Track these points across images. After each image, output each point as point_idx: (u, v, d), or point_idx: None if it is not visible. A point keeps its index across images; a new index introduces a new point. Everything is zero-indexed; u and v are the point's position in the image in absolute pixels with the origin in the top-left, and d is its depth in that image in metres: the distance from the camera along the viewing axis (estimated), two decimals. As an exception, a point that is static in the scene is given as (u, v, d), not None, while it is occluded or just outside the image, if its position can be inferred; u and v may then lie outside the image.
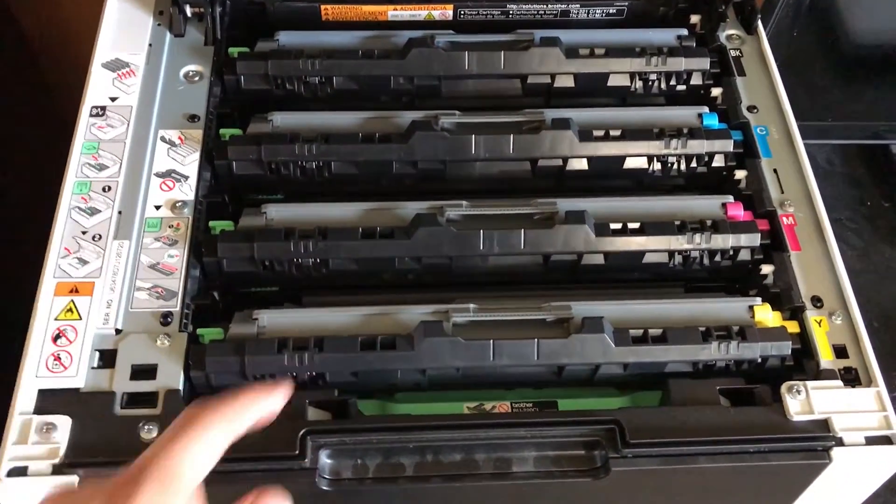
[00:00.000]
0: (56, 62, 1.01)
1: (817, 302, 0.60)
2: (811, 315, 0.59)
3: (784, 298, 0.60)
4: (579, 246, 0.60)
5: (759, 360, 0.57)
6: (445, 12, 0.76)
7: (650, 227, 0.61)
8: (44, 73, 1.06)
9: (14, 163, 0.99)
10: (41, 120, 1.00)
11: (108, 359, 0.55)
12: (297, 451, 0.51)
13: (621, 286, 0.65)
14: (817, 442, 0.53)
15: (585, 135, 0.65)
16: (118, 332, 0.56)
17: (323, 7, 0.75)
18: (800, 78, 0.87)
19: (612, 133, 0.65)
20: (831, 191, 1.00)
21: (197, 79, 0.68)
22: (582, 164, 0.65)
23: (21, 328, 0.56)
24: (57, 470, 0.50)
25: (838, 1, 0.84)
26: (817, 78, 0.90)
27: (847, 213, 0.99)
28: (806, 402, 0.55)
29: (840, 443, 0.53)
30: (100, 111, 0.65)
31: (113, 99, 0.66)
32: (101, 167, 0.63)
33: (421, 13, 0.76)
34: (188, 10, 0.70)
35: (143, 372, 0.54)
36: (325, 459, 0.53)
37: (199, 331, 0.57)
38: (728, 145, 0.65)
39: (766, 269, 0.62)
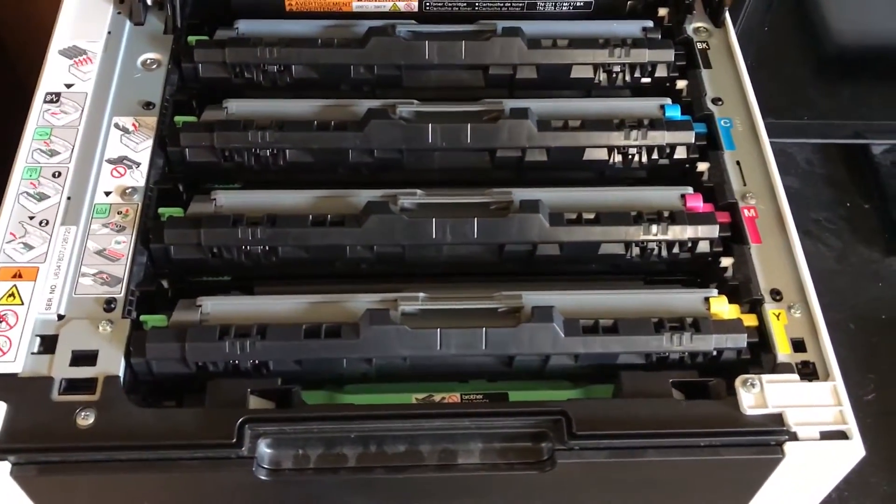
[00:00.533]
0: (27, 54, 1.01)
1: (776, 295, 0.58)
2: (770, 308, 0.58)
3: (742, 291, 0.59)
4: (534, 236, 0.59)
5: (715, 353, 0.56)
6: (411, 4, 0.75)
7: (606, 217, 0.60)
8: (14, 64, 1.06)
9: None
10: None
11: (48, 344, 0.54)
12: (234, 440, 0.50)
13: (580, 279, 0.63)
14: (770, 437, 0.52)
15: (544, 125, 0.64)
16: (60, 317, 0.55)
17: (287, -3, 0.74)
18: (773, 74, 0.86)
19: (572, 124, 0.64)
20: (811, 191, 0.99)
21: (155, 66, 0.68)
22: (542, 155, 0.64)
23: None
24: (-12, 455, 0.49)
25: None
26: (792, 75, 0.89)
27: (826, 214, 0.98)
28: (760, 395, 0.53)
29: (794, 437, 0.52)
30: (54, 97, 0.65)
31: (68, 86, 0.65)
32: (53, 153, 0.62)
33: (386, 5, 0.75)
34: (148, 0, 0.70)
35: (84, 358, 0.53)
36: (263, 449, 0.51)
37: (142, 317, 0.56)
38: (690, 136, 0.64)
39: (726, 261, 0.60)
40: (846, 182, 1.00)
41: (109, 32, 0.69)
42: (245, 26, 0.70)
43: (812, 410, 0.53)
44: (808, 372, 0.55)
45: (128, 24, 0.70)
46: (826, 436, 0.52)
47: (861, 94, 0.93)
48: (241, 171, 0.64)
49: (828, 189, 0.99)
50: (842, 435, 0.52)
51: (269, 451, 0.52)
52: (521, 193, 0.60)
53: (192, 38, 0.69)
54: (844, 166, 1.01)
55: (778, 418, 0.53)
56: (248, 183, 0.66)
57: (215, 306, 0.56)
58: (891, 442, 0.82)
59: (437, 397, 0.57)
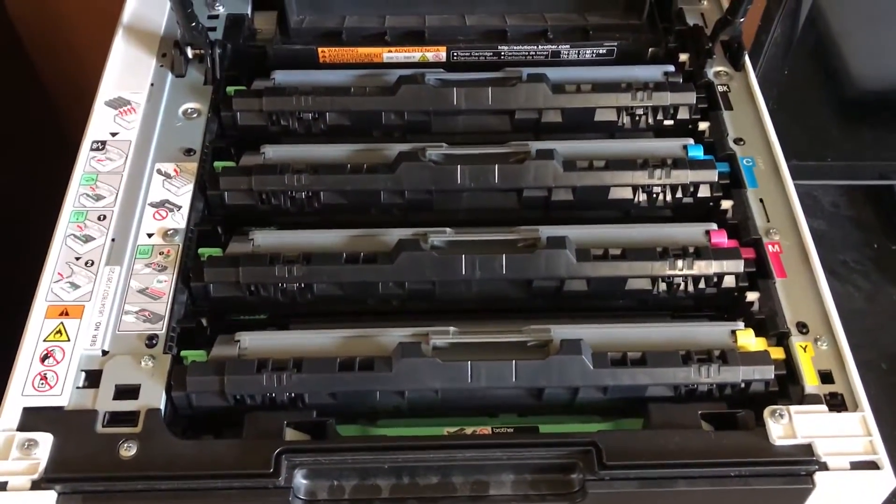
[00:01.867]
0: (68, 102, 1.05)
1: (803, 328, 0.59)
2: (796, 341, 0.58)
3: (769, 324, 0.59)
4: (561, 271, 0.61)
5: (742, 385, 0.56)
6: (439, 54, 0.78)
7: (632, 252, 0.61)
8: (58, 112, 1.11)
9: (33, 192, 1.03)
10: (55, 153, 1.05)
11: (93, 378, 0.56)
12: (271, 470, 0.51)
13: (607, 314, 0.65)
14: (800, 466, 0.52)
15: (569, 165, 0.66)
16: (104, 353, 0.57)
17: (320, 50, 0.77)
18: (794, 117, 0.88)
19: (596, 163, 0.66)
20: (838, 233, 1.00)
21: (195, 116, 0.71)
22: (568, 195, 0.66)
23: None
24: (35, 485, 0.51)
25: (834, 42, 0.85)
26: (814, 117, 0.90)
27: (854, 255, 0.98)
28: (789, 426, 0.54)
29: (824, 467, 0.52)
30: (100, 145, 0.68)
31: (113, 134, 0.69)
32: (98, 197, 0.65)
33: (415, 55, 0.78)
34: (189, 53, 0.73)
35: (127, 392, 0.55)
36: (300, 479, 0.53)
37: (182, 353, 0.58)
38: (712, 175, 0.66)
39: (752, 296, 0.61)
40: (873, 223, 1.01)
41: (152, 84, 0.72)
42: (281, 76, 0.73)
43: (841, 441, 0.53)
44: (837, 403, 0.56)
45: (169, 76, 0.73)
46: (856, 466, 0.52)
47: (884, 135, 0.94)
48: (278, 213, 0.66)
49: (855, 230, 1.00)
50: (872, 465, 0.52)
51: (305, 481, 0.53)
52: (548, 231, 0.62)
53: (230, 89, 0.72)
54: (871, 208, 1.02)
55: (807, 448, 0.53)
56: (284, 225, 0.68)
57: (253, 341, 0.58)
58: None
59: (469, 430, 0.58)
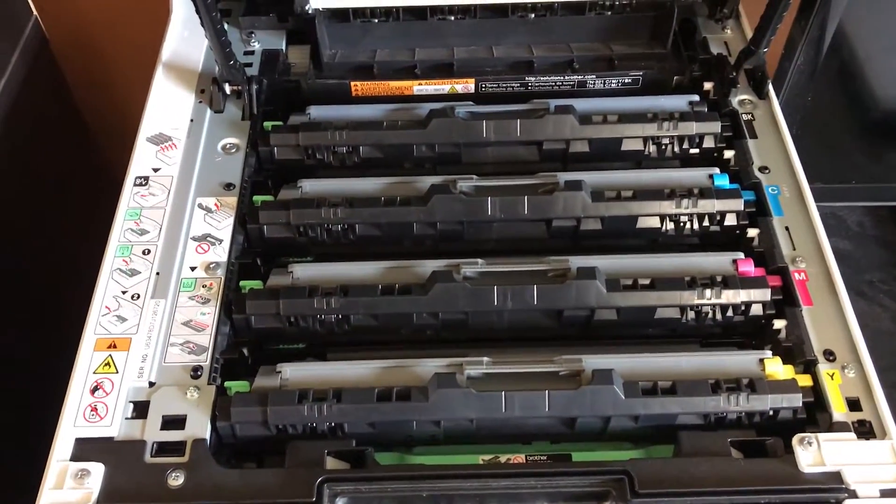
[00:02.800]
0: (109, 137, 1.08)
1: (830, 355, 0.60)
2: (823, 368, 0.59)
3: (796, 352, 0.61)
4: (591, 301, 0.62)
5: (771, 413, 0.57)
6: (468, 86, 0.80)
7: (661, 282, 0.62)
8: (99, 148, 1.14)
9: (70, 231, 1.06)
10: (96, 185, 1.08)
11: (140, 410, 0.58)
12: (314, 499, 0.53)
13: (636, 342, 0.66)
14: (829, 494, 0.53)
15: (598, 195, 0.67)
16: (151, 384, 0.59)
17: (353, 83, 0.80)
18: (819, 141, 0.89)
19: (624, 194, 0.67)
20: (863, 252, 1.00)
21: (234, 150, 0.73)
22: (596, 224, 0.68)
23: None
24: (89, 514, 0.53)
25: (858, 67, 0.86)
26: (838, 140, 0.91)
27: (879, 275, 0.99)
28: (818, 453, 0.55)
29: (853, 495, 0.53)
30: (143, 181, 0.70)
31: (155, 170, 0.71)
32: (143, 232, 0.67)
33: (444, 87, 0.80)
34: (227, 89, 0.76)
35: (173, 422, 0.58)
36: (341, 507, 0.54)
37: (226, 384, 0.60)
38: (739, 204, 0.67)
39: (779, 323, 0.62)
40: (899, 243, 1.01)
41: (192, 120, 0.75)
42: (316, 112, 0.75)
43: (870, 468, 0.54)
44: (865, 430, 0.57)
45: (208, 112, 0.76)
46: (886, 493, 0.53)
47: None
48: (315, 244, 0.69)
49: (880, 250, 1.00)
50: (902, 493, 0.53)
51: (346, 509, 0.55)
52: (577, 261, 0.64)
53: (267, 124, 0.74)
54: (896, 227, 1.03)
55: (836, 476, 0.54)
56: (321, 256, 0.70)
57: (294, 372, 0.60)
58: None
59: (503, 458, 0.60)
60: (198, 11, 0.67)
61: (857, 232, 1.02)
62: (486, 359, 0.59)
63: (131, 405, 0.58)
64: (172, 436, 0.57)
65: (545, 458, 0.60)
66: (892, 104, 0.89)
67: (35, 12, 0.98)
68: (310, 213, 0.67)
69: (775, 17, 0.69)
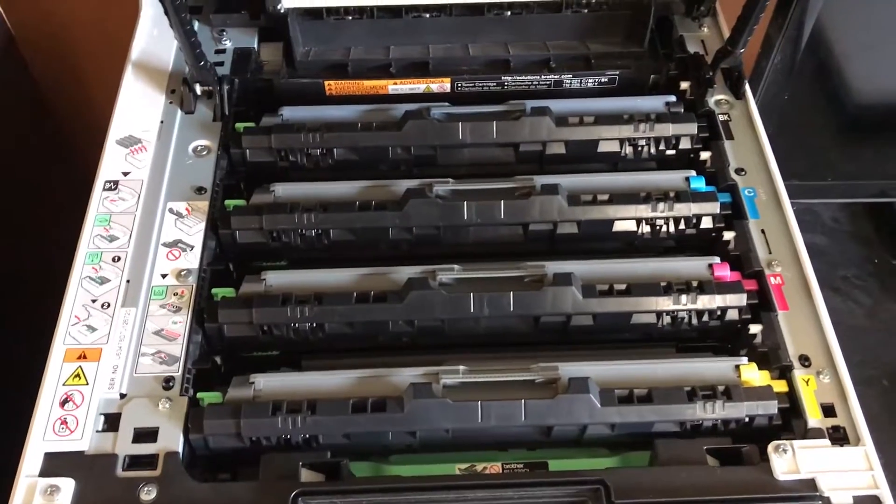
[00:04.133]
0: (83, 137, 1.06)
1: (805, 361, 0.60)
2: (799, 374, 0.60)
3: (772, 357, 0.61)
4: (567, 307, 0.62)
5: (746, 420, 0.57)
6: (443, 85, 0.79)
7: (637, 288, 0.62)
8: (71, 148, 1.12)
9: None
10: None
11: (112, 422, 0.57)
12: (288, 512, 0.53)
13: (613, 347, 0.66)
14: (804, 502, 0.54)
15: (574, 199, 0.67)
16: (122, 396, 0.58)
17: (327, 83, 0.79)
18: (796, 139, 0.89)
19: (600, 197, 0.67)
20: (838, 248, 1.01)
21: (205, 153, 0.72)
22: (573, 228, 0.67)
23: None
24: (59, 531, 0.53)
25: (834, 65, 0.86)
26: (814, 138, 0.91)
27: (854, 271, 0.99)
28: (792, 461, 0.55)
29: (827, 502, 0.54)
30: (112, 185, 0.69)
31: (125, 173, 0.70)
32: (112, 238, 0.66)
33: (420, 87, 0.79)
34: (198, 89, 0.74)
35: (145, 435, 0.57)
36: (316, 520, 0.54)
37: (199, 395, 0.59)
38: (715, 207, 0.67)
39: (755, 328, 0.63)
40: (873, 238, 1.02)
41: (162, 122, 0.74)
42: (289, 112, 0.74)
43: (844, 475, 0.55)
44: (839, 437, 0.57)
45: (179, 113, 0.74)
46: (859, 501, 0.54)
47: (884, 153, 0.95)
48: (289, 250, 0.68)
49: (855, 246, 1.01)
50: (875, 500, 0.54)
51: (321, 522, 0.54)
52: (553, 266, 0.63)
53: (239, 125, 0.73)
54: (871, 223, 1.03)
55: (811, 483, 0.54)
56: (295, 261, 0.69)
57: (267, 383, 0.59)
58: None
59: (480, 467, 0.59)
60: (166, 12, 0.66)
61: (833, 227, 1.02)
62: (462, 367, 0.59)
63: (102, 418, 0.57)
64: (144, 449, 0.56)
65: (522, 466, 0.60)
66: (868, 102, 0.90)
67: (1, 11, 0.95)
68: (283, 219, 0.66)
69: (752, 19, 0.69)
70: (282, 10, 0.75)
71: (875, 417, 0.88)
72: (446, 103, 0.74)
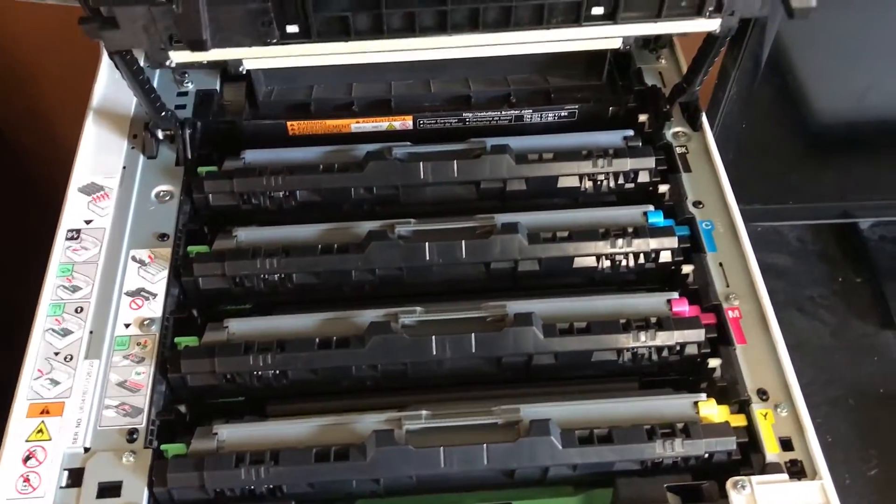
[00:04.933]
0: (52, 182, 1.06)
1: (763, 395, 0.61)
2: (757, 408, 0.60)
3: (731, 392, 0.62)
4: (529, 347, 0.62)
5: (706, 456, 0.58)
6: (406, 123, 0.80)
7: (597, 326, 0.63)
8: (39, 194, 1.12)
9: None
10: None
11: (75, 477, 0.57)
12: (252, 565, 0.53)
13: (575, 383, 0.67)
14: (762, 538, 0.54)
15: (534, 237, 0.68)
16: (86, 450, 0.58)
17: (289, 123, 0.79)
18: (754, 165, 0.90)
19: (560, 235, 0.68)
20: (804, 268, 1.02)
21: (168, 198, 0.72)
22: (534, 266, 0.68)
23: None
24: (22, 592, 0.52)
25: (790, 89, 0.87)
26: (774, 163, 0.92)
27: (820, 290, 1.00)
28: (751, 497, 0.56)
29: (785, 538, 0.54)
30: (75, 234, 0.69)
31: (88, 222, 0.70)
32: (75, 289, 0.66)
33: (382, 125, 0.80)
34: (160, 134, 0.75)
35: (109, 489, 0.57)
36: (280, 572, 0.54)
37: (163, 446, 0.59)
38: (673, 242, 0.68)
39: (714, 362, 0.63)
40: (838, 258, 1.03)
41: (125, 167, 0.74)
42: (251, 156, 0.74)
43: (802, 510, 0.55)
44: (797, 471, 0.58)
45: (141, 158, 0.75)
46: (816, 534, 0.55)
47: (844, 175, 0.96)
48: (252, 294, 0.68)
49: (820, 265, 1.02)
50: (832, 534, 0.55)
51: (286, 573, 0.54)
52: (515, 306, 0.64)
53: (201, 169, 0.73)
54: (835, 242, 1.04)
55: (769, 520, 0.55)
56: (259, 305, 0.69)
57: (231, 433, 0.59)
58: (896, 518, 0.83)
59: (445, 510, 0.60)
60: (118, 68, 0.66)
61: (798, 247, 1.03)
62: (424, 412, 0.59)
63: (66, 473, 0.57)
64: (109, 504, 0.56)
65: (486, 508, 0.60)
66: (826, 126, 0.91)
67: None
68: (245, 264, 0.66)
69: (707, 62, 0.70)
70: (243, 72, 0.73)
71: (842, 437, 0.90)
72: (408, 142, 0.74)
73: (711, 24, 0.66)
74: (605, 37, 0.67)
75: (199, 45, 0.60)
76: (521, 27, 0.66)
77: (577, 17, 0.65)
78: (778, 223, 1.00)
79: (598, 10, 0.65)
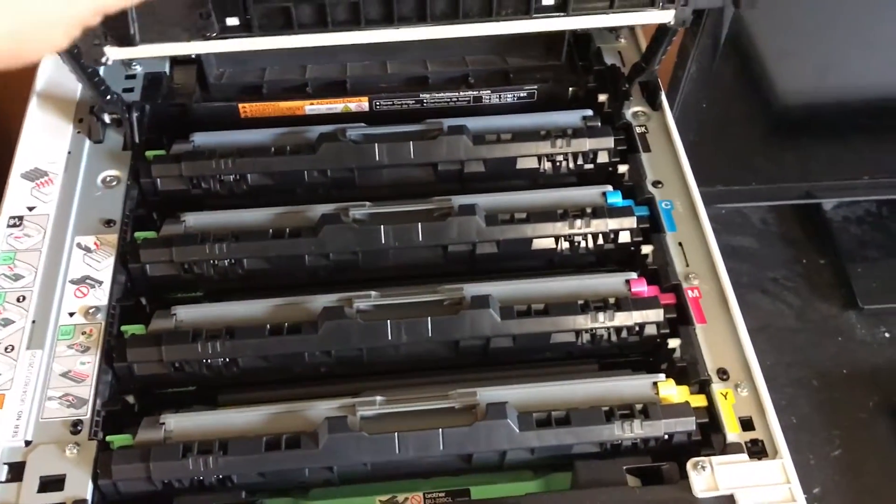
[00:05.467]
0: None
1: (723, 374, 0.60)
2: (717, 388, 0.60)
3: (691, 372, 0.61)
4: (486, 330, 0.61)
5: (666, 437, 0.57)
6: (361, 104, 0.78)
7: (555, 308, 0.62)
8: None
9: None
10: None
11: (15, 472, 0.55)
12: (201, 558, 0.51)
13: (535, 366, 0.65)
14: (723, 518, 0.54)
15: (492, 219, 0.66)
16: (28, 443, 0.56)
17: (241, 105, 0.77)
18: (716, 145, 0.90)
19: (518, 216, 0.67)
20: (767, 250, 1.02)
21: (115, 184, 0.70)
22: (492, 248, 0.67)
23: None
24: (-40, 592, 0.50)
25: (751, 68, 0.86)
26: (736, 144, 0.92)
27: (783, 272, 1.00)
28: (711, 478, 0.55)
29: (745, 518, 0.54)
30: (17, 221, 0.67)
31: (30, 208, 0.68)
32: (17, 277, 0.64)
33: (337, 106, 0.78)
34: (106, 118, 0.72)
35: (51, 483, 0.55)
36: (231, 563, 0.53)
37: (108, 438, 0.57)
38: (632, 222, 0.67)
39: (674, 342, 0.63)
40: (802, 239, 1.03)
41: (70, 152, 0.71)
42: (200, 139, 0.72)
43: (762, 490, 0.55)
44: (757, 450, 0.57)
45: (87, 142, 0.72)
46: (778, 514, 0.54)
47: (807, 156, 0.96)
48: (202, 281, 0.66)
49: (784, 247, 1.02)
50: (791, 512, 0.54)
51: (236, 565, 0.53)
52: (471, 289, 0.63)
53: (149, 154, 0.71)
54: (799, 224, 1.04)
55: (730, 500, 0.54)
56: (211, 292, 0.68)
57: (178, 423, 0.57)
58: (860, 498, 0.83)
59: (401, 497, 0.58)
60: (63, 58, 0.63)
61: (762, 229, 1.03)
62: (378, 398, 0.58)
63: (6, 467, 0.55)
64: (51, 498, 0.54)
65: (444, 494, 0.59)
66: (788, 106, 0.90)
67: None
68: (193, 250, 0.64)
69: (662, 47, 0.69)
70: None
71: (806, 417, 0.90)
72: (363, 123, 0.73)
73: (665, 16, 0.65)
74: (556, 29, 0.66)
75: (126, 40, 0.57)
76: (471, 19, 0.64)
77: (527, 8, 0.64)
78: (741, 204, 1.00)
79: (548, 1, 0.64)
